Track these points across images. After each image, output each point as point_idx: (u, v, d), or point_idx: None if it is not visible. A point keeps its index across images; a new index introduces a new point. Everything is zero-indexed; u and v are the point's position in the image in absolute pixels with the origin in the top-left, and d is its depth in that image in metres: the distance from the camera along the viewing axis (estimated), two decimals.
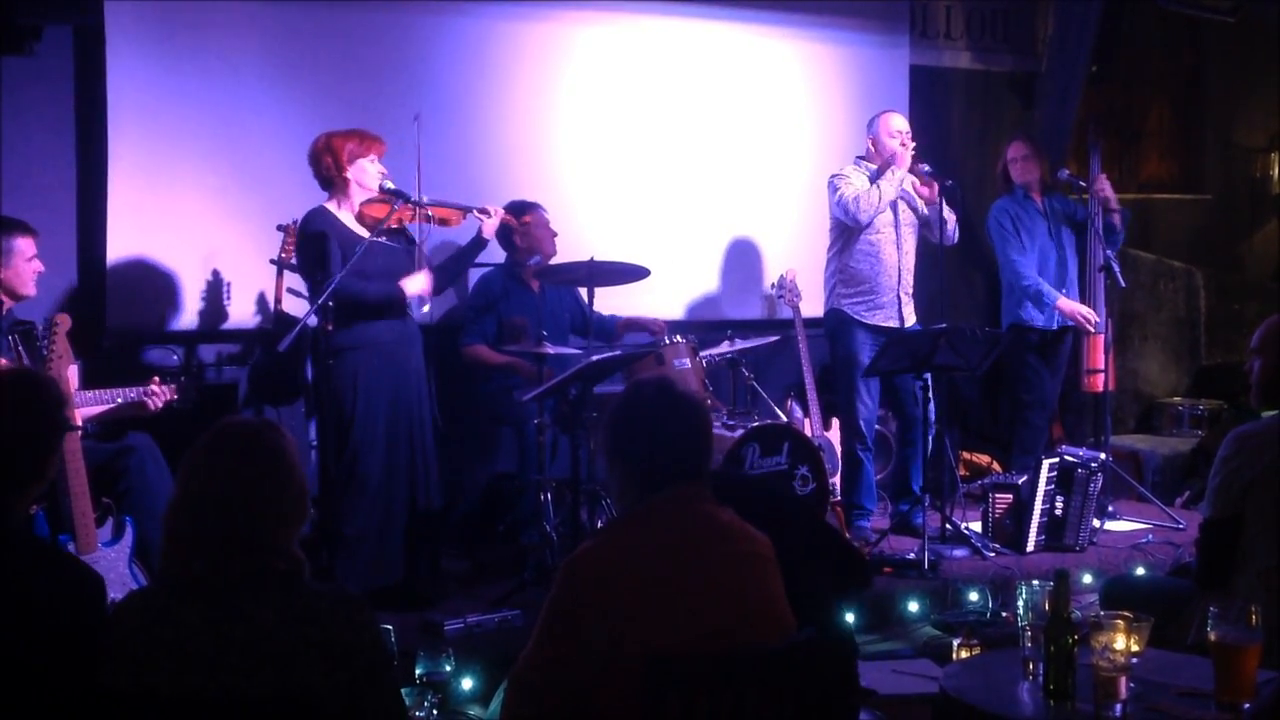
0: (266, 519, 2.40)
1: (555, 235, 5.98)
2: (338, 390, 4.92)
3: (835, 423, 6.30)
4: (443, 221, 5.23)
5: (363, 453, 4.92)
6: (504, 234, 5.92)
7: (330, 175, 5.00)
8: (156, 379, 4.88)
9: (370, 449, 4.94)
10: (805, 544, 3.20)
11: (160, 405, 4.81)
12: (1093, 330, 6.55)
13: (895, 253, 6.19)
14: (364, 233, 4.97)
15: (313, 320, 4.84)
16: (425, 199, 5.10)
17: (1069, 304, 6.55)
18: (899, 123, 6.22)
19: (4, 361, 4.41)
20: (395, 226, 5.07)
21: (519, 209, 5.89)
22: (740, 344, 6.14)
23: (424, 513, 5.10)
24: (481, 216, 5.35)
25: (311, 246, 4.92)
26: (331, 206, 5.00)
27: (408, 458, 5.04)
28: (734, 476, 3.34)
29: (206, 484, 2.41)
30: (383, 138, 5.07)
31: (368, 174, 5.02)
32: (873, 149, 6.22)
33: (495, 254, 5.85)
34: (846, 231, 6.16)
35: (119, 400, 4.79)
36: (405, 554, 5.05)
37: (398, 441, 5.01)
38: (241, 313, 5.83)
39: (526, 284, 5.99)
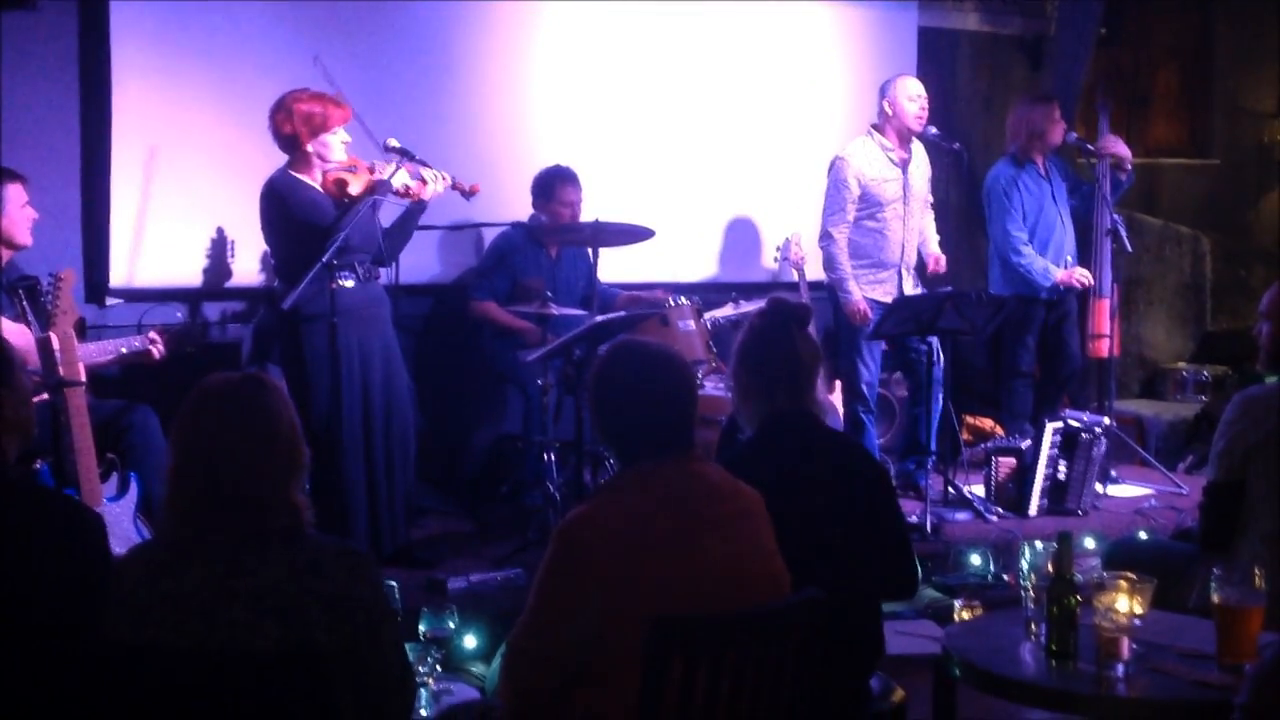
0: (260, 473, 2.39)
1: (576, 216, 5.92)
2: (308, 356, 4.85)
3: (838, 385, 6.30)
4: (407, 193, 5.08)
5: (337, 418, 4.84)
6: (534, 194, 5.91)
7: (290, 142, 4.91)
8: (158, 328, 4.88)
9: (355, 417, 4.88)
10: (868, 525, 3.19)
11: (164, 353, 4.81)
12: (1091, 288, 6.47)
13: (901, 229, 6.16)
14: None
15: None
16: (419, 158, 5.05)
17: (1064, 274, 6.45)
18: (915, 87, 6.14)
19: None
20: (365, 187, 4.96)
21: (551, 180, 5.87)
22: (745, 306, 6.13)
23: (401, 478, 5.07)
24: (457, 188, 5.20)
25: (294, 207, 4.85)
26: (297, 174, 4.93)
27: (383, 424, 5.00)
28: (817, 427, 3.33)
29: (194, 446, 2.40)
30: (347, 103, 4.97)
31: (330, 147, 4.93)
32: (888, 113, 6.14)
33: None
34: (854, 203, 6.11)
35: (122, 349, 4.79)
36: (387, 520, 5.02)
37: (373, 407, 4.96)
38: (246, 270, 5.82)
39: (544, 246, 5.97)
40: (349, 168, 4.96)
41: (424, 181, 5.06)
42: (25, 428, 2.69)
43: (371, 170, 4.96)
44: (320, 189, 4.93)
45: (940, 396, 6.00)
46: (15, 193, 4.77)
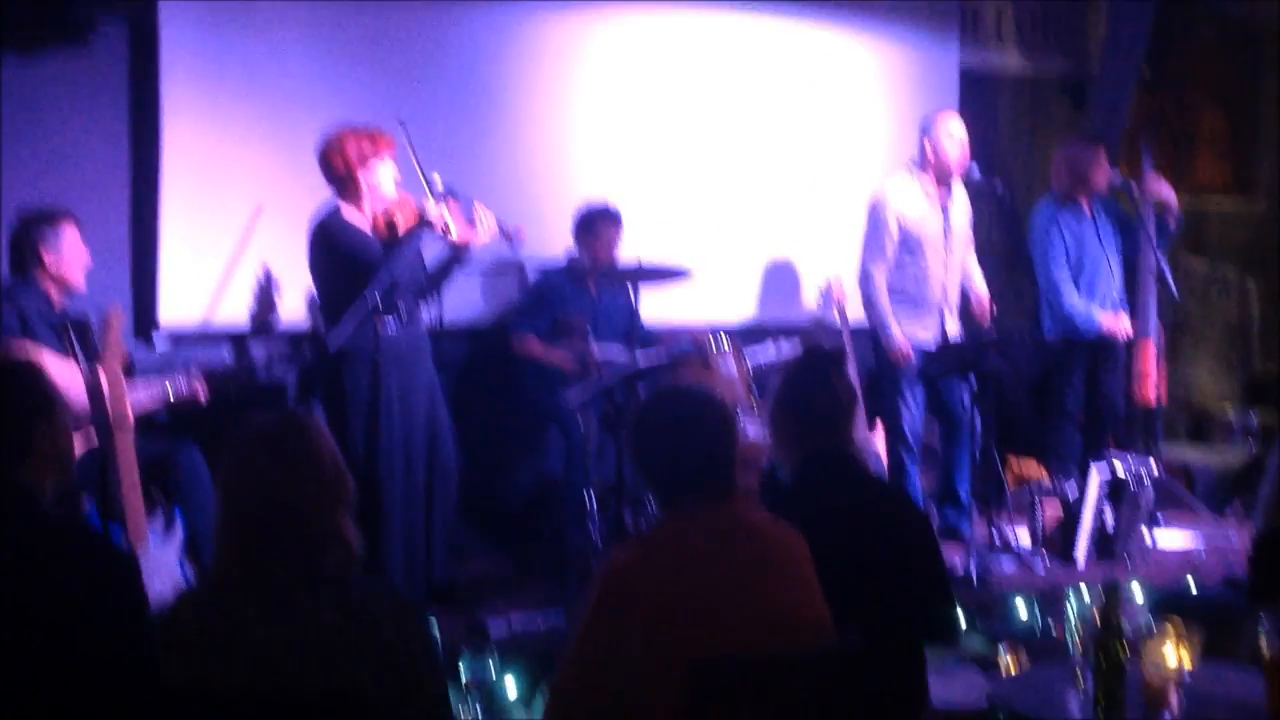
0: (308, 510, 2.40)
1: (617, 256, 5.96)
2: (349, 393, 4.89)
3: (880, 427, 6.26)
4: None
5: (388, 461, 4.87)
6: (582, 231, 5.93)
7: (341, 176, 4.97)
8: (205, 371, 4.93)
9: (395, 458, 4.90)
10: (908, 569, 3.17)
11: (210, 395, 4.85)
12: (1129, 336, 6.42)
13: (943, 269, 6.13)
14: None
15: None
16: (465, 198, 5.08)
17: (1110, 320, 6.41)
18: (957, 126, 6.12)
19: None
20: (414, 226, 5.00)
21: (593, 219, 5.90)
22: (786, 348, 6.12)
23: (443, 517, 5.08)
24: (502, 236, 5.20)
25: (344, 244, 4.89)
26: (347, 211, 4.99)
27: (425, 465, 5.02)
28: (857, 469, 3.33)
29: (240, 489, 2.42)
30: (390, 135, 5.03)
31: (381, 176, 5.00)
32: (929, 151, 6.13)
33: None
34: (893, 243, 6.10)
35: (170, 393, 4.83)
36: (427, 560, 5.03)
37: (415, 447, 4.98)
38: (292, 311, 5.86)
39: (586, 285, 5.99)
40: (398, 205, 5.01)
41: (472, 224, 5.09)
42: (63, 463, 2.70)
43: (420, 209, 4.99)
44: (369, 227, 4.97)
45: (980, 441, 5.96)
46: (70, 233, 4.84)
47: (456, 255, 5.20)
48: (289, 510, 2.39)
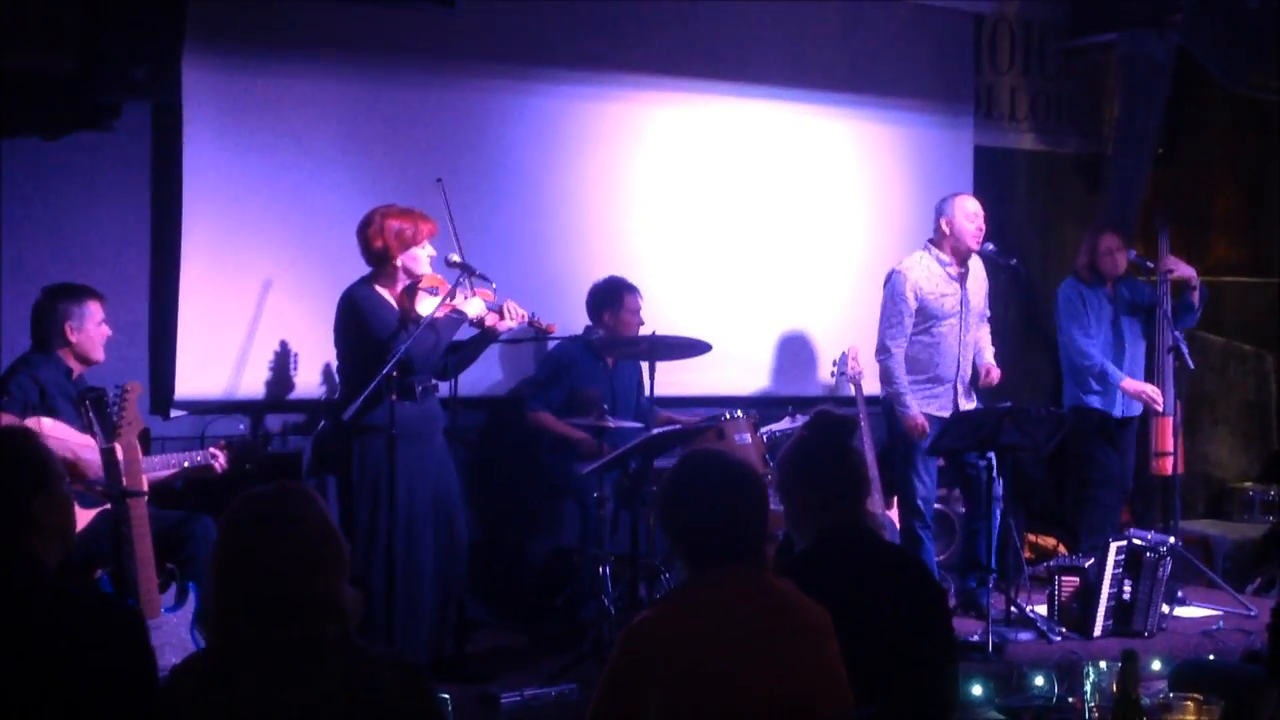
0: (304, 581, 2.38)
1: (641, 323, 6.00)
2: (358, 467, 4.91)
3: (896, 500, 6.25)
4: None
5: (390, 535, 4.86)
6: (595, 306, 5.97)
7: (380, 257, 5.04)
8: (222, 442, 4.96)
9: (397, 531, 4.89)
10: (920, 643, 3.14)
11: (226, 466, 4.88)
12: (1160, 410, 6.49)
13: (958, 344, 6.15)
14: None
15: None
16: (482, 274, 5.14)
17: (1134, 384, 6.50)
18: (973, 205, 6.17)
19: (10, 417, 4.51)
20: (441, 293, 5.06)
21: (618, 290, 5.92)
22: (801, 420, 6.11)
23: (451, 593, 5.08)
24: (511, 319, 5.21)
25: (369, 320, 4.96)
26: (379, 288, 5.05)
27: (433, 539, 5.01)
28: (874, 540, 3.30)
29: (234, 560, 2.41)
30: (432, 217, 5.11)
31: (419, 261, 5.06)
32: (945, 231, 6.17)
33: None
34: (911, 317, 6.13)
35: (185, 464, 4.86)
36: (433, 636, 5.01)
37: (424, 523, 4.98)
38: (307, 382, 5.91)
39: (601, 357, 6.02)
40: (431, 288, 5.05)
41: (500, 315, 5.15)
42: (65, 535, 2.71)
43: (452, 294, 5.04)
44: (395, 305, 5.02)
45: (999, 513, 5.93)
46: (95, 310, 4.93)
47: (486, 336, 5.27)
48: (282, 577, 2.38)
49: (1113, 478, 6.64)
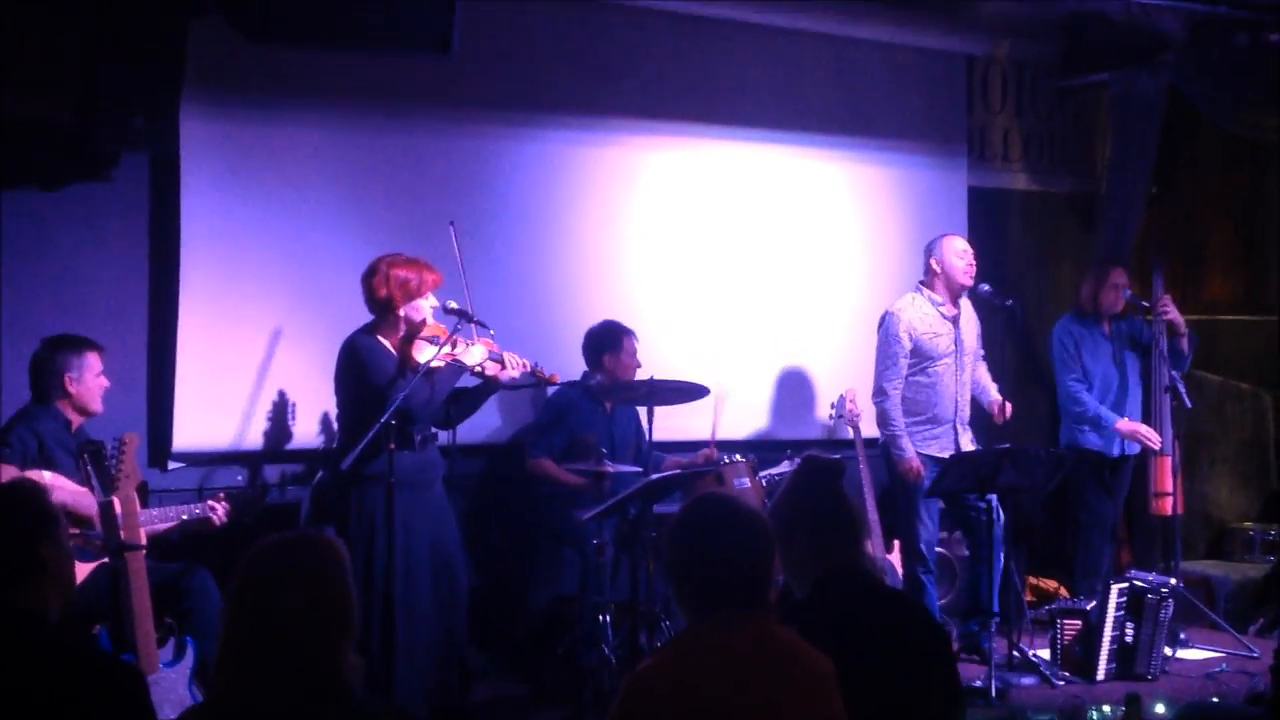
0: (310, 634, 2.36)
1: (639, 366, 6.01)
2: (355, 516, 4.91)
3: (897, 545, 6.23)
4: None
5: (388, 585, 4.85)
6: (594, 349, 5.98)
7: (383, 306, 5.05)
8: (221, 494, 4.95)
9: (395, 581, 4.87)
10: (924, 688, 3.12)
11: (224, 519, 4.87)
12: (1156, 450, 6.49)
13: (954, 383, 6.16)
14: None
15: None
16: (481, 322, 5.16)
17: (1129, 425, 6.50)
18: (962, 244, 6.22)
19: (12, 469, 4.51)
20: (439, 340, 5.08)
21: (617, 333, 5.94)
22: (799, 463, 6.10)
23: (451, 643, 5.06)
24: (514, 370, 5.26)
25: (368, 368, 4.97)
26: (380, 337, 5.06)
27: (432, 588, 5.00)
28: (875, 585, 3.27)
29: (245, 606, 2.39)
30: (438, 269, 5.13)
31: (421, 312, 5.08)
32: (936, 270, 6.20)
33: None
34: (906, 358, 6.14)
35: (183, 517, 4.85)
36: (433, 686, 4.98)
37: (422, 572, 4.97)
38: (306, 432, 5.90)
39: (600, 402, 6.02)
40: (432, 337, 5.06)
41: (502, 364, 5.16)
42: (67, 586, 2.72)
43: (453, 343, 5.04)
44: (395, 353, 5.03)
45: (1001, 556, 5.92)
46: (94, 361, 4.93)
47: (488, 386, 5.29)
48: (290, 629, 2.36)
49: (1103, 520, 6.63)
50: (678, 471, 5.66)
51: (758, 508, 2.84)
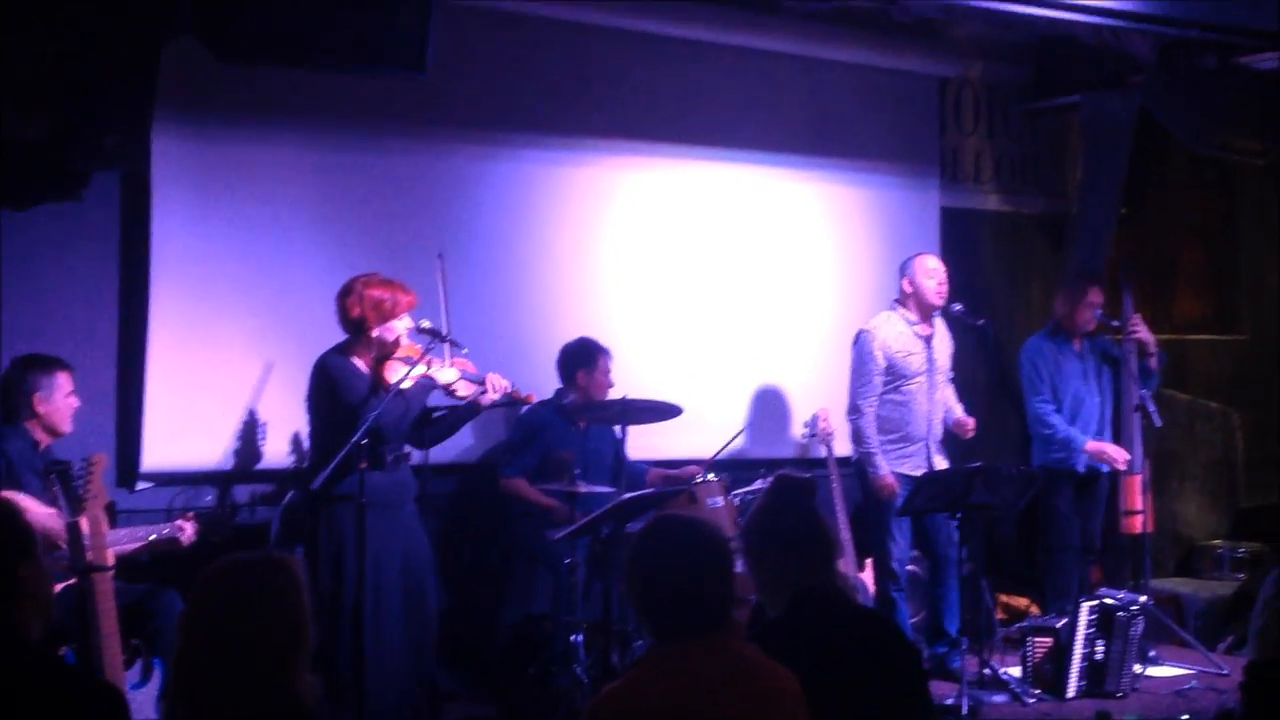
0: (265, 657, 2.36)
1: (613, 385, 6.01)
2: (324, 536, 4.89)
3: (869, 563, 6.24)
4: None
5: (357, 606, 4.83)
6: (569, 367, 5.97)
7: (357, 326, 5.04)
8: (190, 514, 4.92)
9: (365, 602, 4.85)
10: (896, 707, 3.12)
11: (193, 539, 4.84)
12: (1123, 469, 6.51)
13: (926, 402, 6.19)
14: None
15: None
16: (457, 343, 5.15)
17: (1096, 445, 6.50)
18: (934, 263, 6.26)
19: None
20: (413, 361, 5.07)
21: (592, 351, 5.93)
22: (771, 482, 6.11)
23: (422, 665, 5.04)
24: (494, 394, 5.25)
25: (340, 387, 4.96)
26: (353, 357, 5.05)
27: (402, 609, 4.98)
28: (847, 603, 3.27)
29: (198, 627, 2.39)
30: (413, 290, 5.13)
31: (394, 331, 5.07)
32: (909, 290, 6.24)
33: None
34: (880, 376, 6.16)
35: (152, 537, 4.82)
36: (403, 708, 4.95)
37: (392, 594, 4.95)
38: (276, 452, 5.87)
39: (573, 421, 6.01)
40: (406, 357, 5.05)
41: (479, 385, 5.15)
42: (48, 606, 2.70)
43: (428, 364, 5.03)
44: (368, 373, 5.01)
45: (958, 577, 5.94)
46: (64, 381, 4.90)
47: (469, 410, 5.28)
48: (248, 648, 2.35)
49: (1071, 541, 6.63)
50: (650, 491, 5.65)
51: (715, 527, 2.83)
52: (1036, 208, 8.11)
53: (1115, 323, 6.69)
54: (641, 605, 2.77)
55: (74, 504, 4.26)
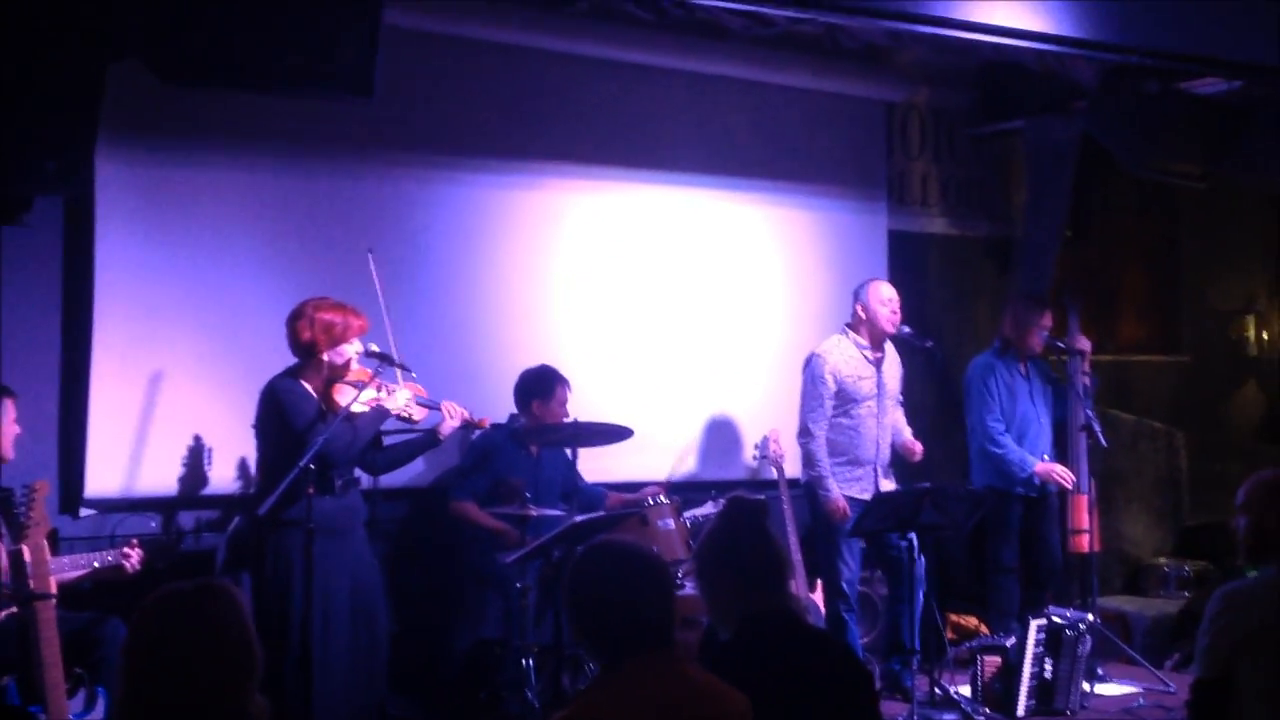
0: (215, 689, 2.33)
1: (568, 416, 5.99)
2: (272, 562, 4.85)
3: (819, 583, 6.25)
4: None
5: (305, 633, 4.78)
6: (525, 394, 5.94)
7: (307, 350, 5.01)
8: (134, 541, 4.86)
9: (312, 629, 4.79)
10: None
11: (138, 566, 4.77)
12: (1071, 489, 6.57)
13: (875, 426, 6.23)
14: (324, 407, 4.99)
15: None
16: (406, 367, 5.13)
17: (1044, 466, 6.56)
18: (888, 291, 6.31)
19: None
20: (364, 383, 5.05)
21: (551, 381, 5.92)
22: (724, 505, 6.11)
23: (371, 691, 4.99)
24: (453, 420, 5.29)
25: (288, 412, 4.92)
26: (302, 381, 5.02)
27: (350, 636, 4.93)
28: (798, 625, 3.27)
29: (140, 658, 2.36)
30: (364, 315, 5.10)
31: (344, 355, 5.04)
32: (862, 316, 6.28)
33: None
34: (831, 399, 6.19)
35: (96, 564, 4.75)
36: None
37: (340, 620, 4.91)
38: (222, 477, 5.81)
39: (525, 445, 5.99)
40: (356, 381, 5.01)
41: (430, 409, 5.13)
42: None
43: (379, 388, 5.01)
44: (317, 398, 4.98)
45: (921, 594, 5.96)
46: (7, 408, 4.83)
47: (428, 440, 5.31)
48: (193, 682, 2.32)
49: (1008, 562, 6.67)
50: (600, 514, 5.63)
51: (650, 549, 2.84)
52: (982, 230, 8.19)
53: (1061, 344, 6.76)
54: (584, 632, 2.77)
55: (16, 531, 4.20)
